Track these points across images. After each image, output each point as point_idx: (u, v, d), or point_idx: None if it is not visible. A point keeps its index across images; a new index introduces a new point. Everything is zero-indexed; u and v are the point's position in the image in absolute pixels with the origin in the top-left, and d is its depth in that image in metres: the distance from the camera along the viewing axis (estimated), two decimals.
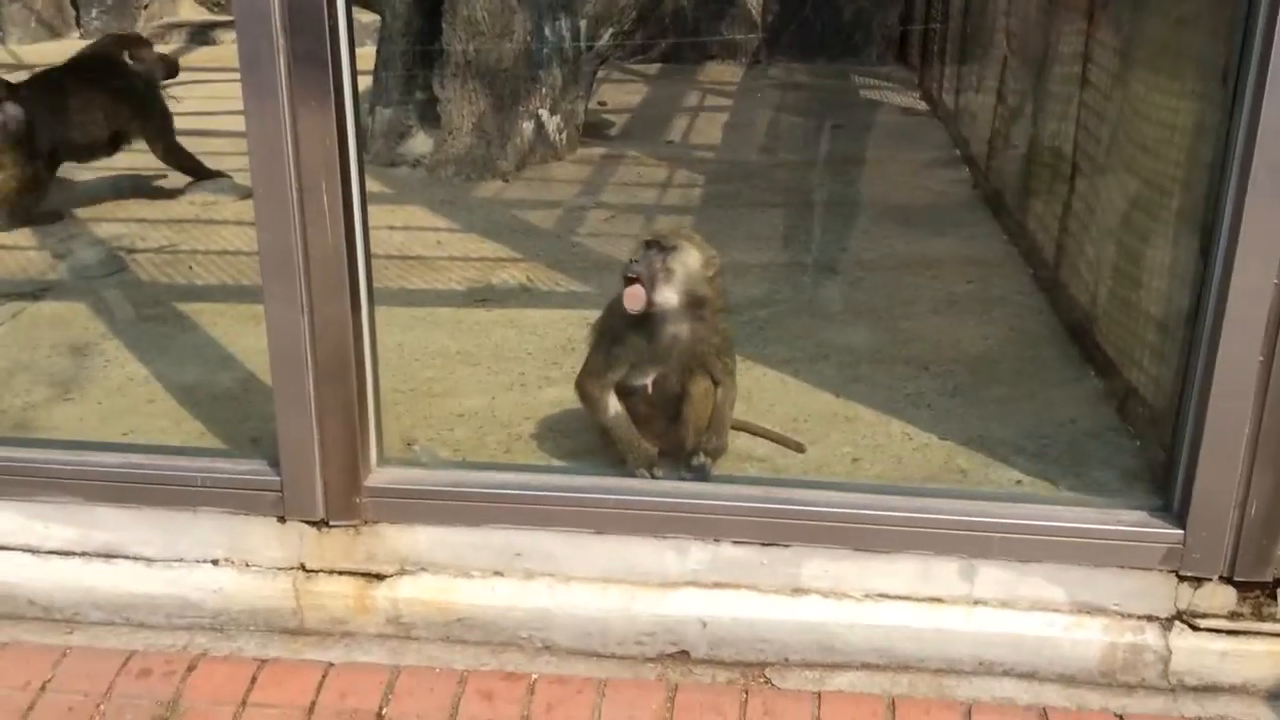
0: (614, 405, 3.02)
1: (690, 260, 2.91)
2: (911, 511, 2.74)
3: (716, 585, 2.79)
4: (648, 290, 2.85)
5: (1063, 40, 4.63)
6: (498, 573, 2.85)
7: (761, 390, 3.64)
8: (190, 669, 2.75)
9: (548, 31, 6.44)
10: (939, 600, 2.76)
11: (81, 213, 5.53)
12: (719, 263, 2.98)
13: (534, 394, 3.65)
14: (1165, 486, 2.74)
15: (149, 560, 2.91)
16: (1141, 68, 3.60)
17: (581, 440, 3.27)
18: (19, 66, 8.25)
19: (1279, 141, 2.37)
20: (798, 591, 2.78)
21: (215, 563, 2.90)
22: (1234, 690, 2.69)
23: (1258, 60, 2.37)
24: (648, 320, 2.92)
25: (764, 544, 2.76)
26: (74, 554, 2.93)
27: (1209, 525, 2.63)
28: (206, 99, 8.00)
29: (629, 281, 2.85)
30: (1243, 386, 2.52)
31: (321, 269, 2.67)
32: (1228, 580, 2.66)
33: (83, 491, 2.88)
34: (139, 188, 5.94)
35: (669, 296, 2.89)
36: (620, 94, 8.59)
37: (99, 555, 2.93)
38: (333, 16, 2.53)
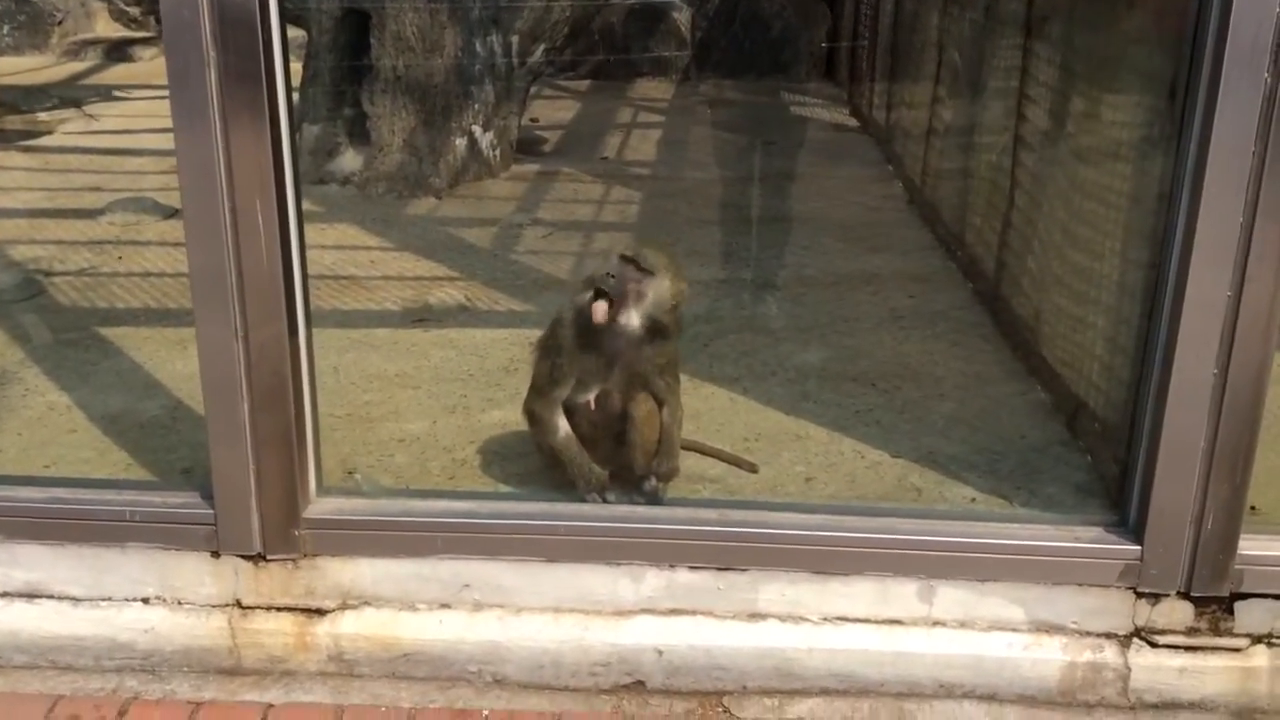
0: (563, 426, 2.94)
1: (663, 289, 2.83)
2: (869, 532, 2.70)
3: (672, 612, 2.72)
4: (615, 307, 2.77)
5: (999, 55, 4.66)
6: (445, 605, 2.75)
7: (711, 409, 3.58)
8: (121, 714, 2.61)
9: (479, 48, 6.35)
10: (898, 622, 2.71)
11: None
12: (686, 295, 2.92)
13: (477, 417, 3.55)
14: (1121, 502, 2.73)
15: (75, 599, 2.76)
16: (1084, 82, 3.61)
17: (528, 464, 3.18)
18: None
19: (1231, 154, 2.36)
20: (755, 616, 2.72)
21: (146, 601, 2.76)
22: (1193, 706, 2.68)
23: (1208, 73, 2.37)
24: (595, 334, 2.84)
25: (720, 568, 2.70)
26: None
27: (1166, 541, 2.61)
28: (124, 116, 7.81)
29: (598, 294, 2.76)
30: (1197, 400, 2.51)
31: (256, 291, 2.55)
32: (1185, 596, 2.65)
33: (3, 528, 2.73)
34: (56, 208, 5.73)
35: (632, 319, 2.82)
36: (552, 110, 8.53)
37: (21, 595, 2.77)
38: (266, 30, 2.43)
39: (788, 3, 10.20)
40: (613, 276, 2.77)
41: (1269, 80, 2.31)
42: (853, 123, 8.49)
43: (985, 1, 4.97)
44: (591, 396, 2.94)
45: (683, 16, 10.14)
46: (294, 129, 2.60)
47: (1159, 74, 2.89)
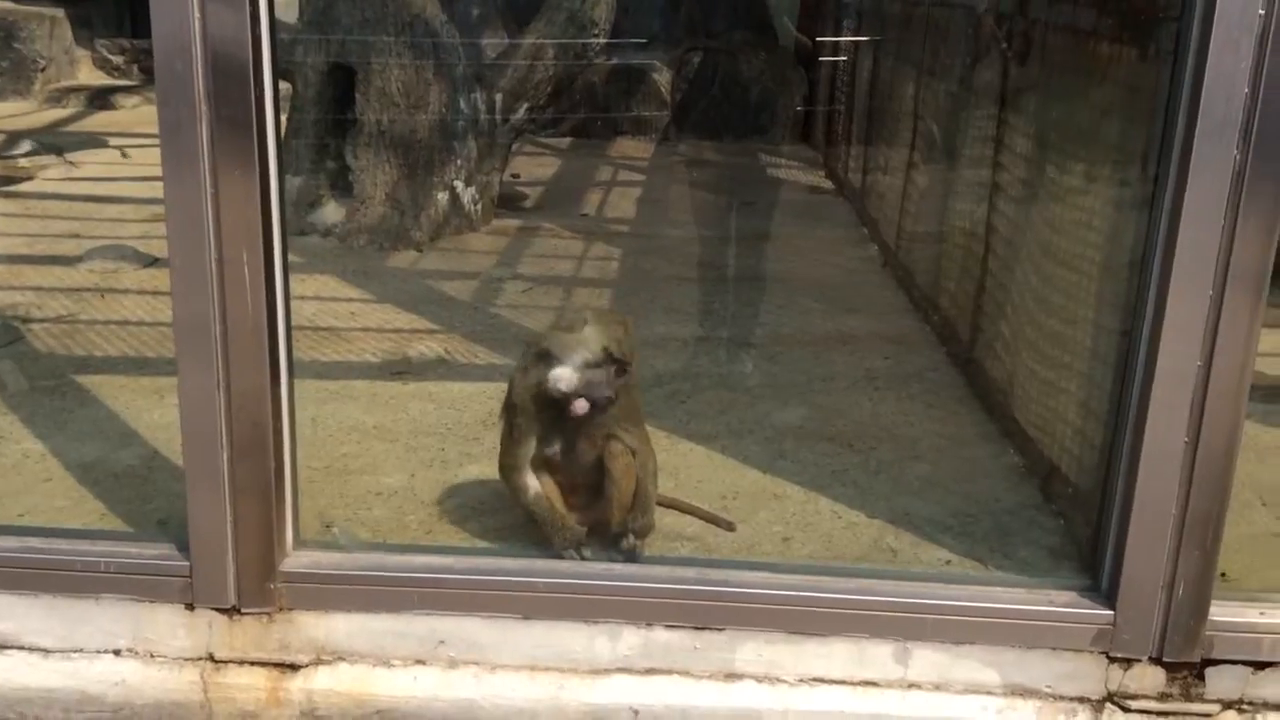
0: (533, 486, 2.95)
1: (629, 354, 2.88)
2: (846, 593, 2.71)
3: (649, 671, 2.72)
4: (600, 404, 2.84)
5: (974, 124, 4.75)
6: (420, 661, 2.73)
7: (689, 466, 3.60)
8: None
9: (463, 105, 6.42)
10: (874, 684, 2.71)
11: None
12: (629, 325, 2.97)
13: (455, 470, 3.55)
14: (1094, 566, 2.75)
15: (46, 651, 2.73)
16: (1057, 152, 3.69)
17: (506, 518, 3.18)
18: None
19: (1201, 226, 2.42)
20: (731, 677, 2.72)
21: (118, 653, 2.73)
22: None
23: (1179, 147, 2.43)
24: (548, 396, 2.87)
25: (697, 628, 2.70)
26: None
27: (1138, 606, 2.64)
28: (106, 164, 7.82)
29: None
30: (1169, 468, 2.55)
31: (240, 341, 2.56)
32: (1157, 661, 2.67)
33: None
34: (35, 254, 5.72)
35: (609, 396, 2.85)
36: (534, 167, 8.59)
37: None
38: (258, 84, 2.47)
39: (766, 67, 10.36)
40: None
41: (1238, 156, 2.37)
42: (828, 185, 8.59)
43: (960, 72, 5.07)
44: (557, 449, 2.96)
45: (663, 78, 10.27)
46: (283, 182, 2.63)
47: (1131, 147, 2.97)
